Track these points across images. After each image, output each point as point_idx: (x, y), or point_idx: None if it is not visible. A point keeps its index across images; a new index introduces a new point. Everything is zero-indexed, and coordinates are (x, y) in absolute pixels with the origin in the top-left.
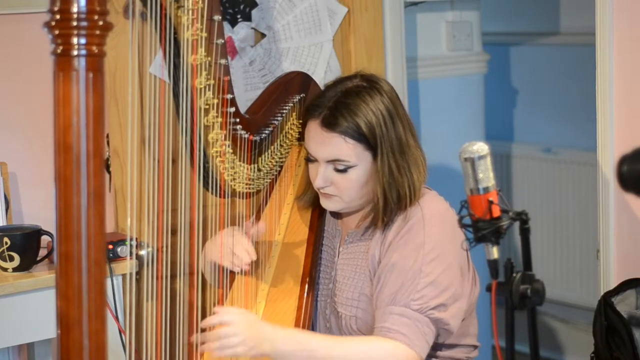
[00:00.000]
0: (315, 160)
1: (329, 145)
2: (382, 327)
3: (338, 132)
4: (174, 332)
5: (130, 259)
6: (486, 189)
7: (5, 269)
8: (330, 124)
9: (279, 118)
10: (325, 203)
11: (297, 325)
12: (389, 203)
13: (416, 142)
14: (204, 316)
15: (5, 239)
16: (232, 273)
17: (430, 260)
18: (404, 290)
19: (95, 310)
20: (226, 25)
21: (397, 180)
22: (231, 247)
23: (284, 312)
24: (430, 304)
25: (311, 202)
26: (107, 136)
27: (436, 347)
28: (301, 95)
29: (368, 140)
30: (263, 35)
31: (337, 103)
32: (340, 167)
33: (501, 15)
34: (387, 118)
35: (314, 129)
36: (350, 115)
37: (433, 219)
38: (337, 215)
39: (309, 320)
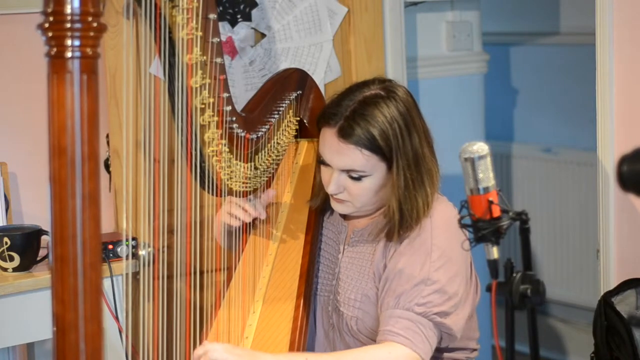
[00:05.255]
0: (329, 165)
1: (345, 155)
2: (386, 331)
3: (354, 143)
4: (172, 331)
5: (127, 259)
6: (486, 189)
7: (5, 269)
8: (346, 135)
9: (275, 115)
10: (336, 206)
11: (295, 323)
12: (405, 217)
13: (431, 151)
14: (202, 316)
15: (5, 239)
16: (245, 234)
17: (438, 268)
18: (409, 295)
19: (91, 313)
20: (226, 25)
21: (411, 193)
22: (228, 209)
23: (282, 312)
24: (433, 309)
25: (323, 203)
26: (107, 136)
27: (437, 349)
28: (298, 92)
29: (383, 151)
30: (263, 35)
31: (354, 113)
32: (355, 176)
33: (501, 15)
34: (403, 128)
35: (330, 137)
36: (367, 126)
37: (441, 226)
38: (344, 219)
39: (307, 320)
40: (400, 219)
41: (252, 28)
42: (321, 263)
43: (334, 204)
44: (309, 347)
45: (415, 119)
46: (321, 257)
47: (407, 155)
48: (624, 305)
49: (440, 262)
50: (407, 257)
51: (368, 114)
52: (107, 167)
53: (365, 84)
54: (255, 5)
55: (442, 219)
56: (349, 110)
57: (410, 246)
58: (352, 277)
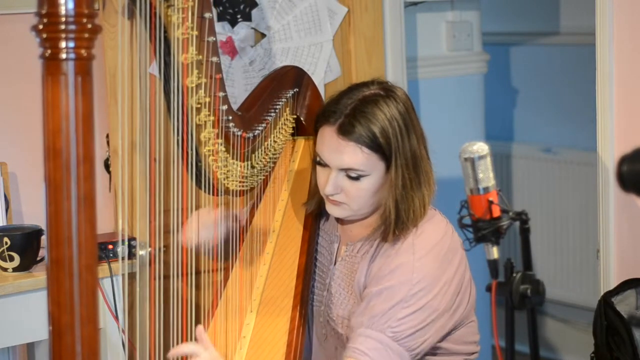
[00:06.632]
0: (326, 165)
1: (344, 153)
2: (354, 348)
3: (354, 140)
4: (170, 331)
5: (123, 260)
6: (486, 189)
7: (5, 269)
8: (347, 132)
9: (272, 114)
10: (331, 209)
11: (292, 323)
12: (402, 217)
13: (427, 153)
14: (198, 316)
15: (5, 239)
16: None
17: (417, 291)
18: (385, 316)
19: (87, 316)
20: (226, 25)
21: (408, 194)
22: (196, 226)
23: (280, 311)
24: (406, 332)
25: (318, 207)
26: (107, 136)
27: (434, 355)
28: (295, 90)
29: (383, 150)
30: (263, 35)
31: (354, 110)
32: (353, 175)
33: (501, 15)
34: (403, 128)
35: (329, 135)
36: (368, 124)
37: (423, 250)
38: (340, 223)
39: (304, 319)
40: (397, 219)
41: (252, 28)
42: (316, 272)
43: (329, 207)
44: (306, 353)
45: (414, 120)
46: (316, 266)
47: (405, 155)
48: (624, 305)
49: (420, 286)
50: (388, 279)
51: (369, 111)
52: (107, 167)
53: (364, 84)
54: (255, 5)
55: (426, 244)
56: (349, 108)
57: (391, 270)
58: (342, 293)
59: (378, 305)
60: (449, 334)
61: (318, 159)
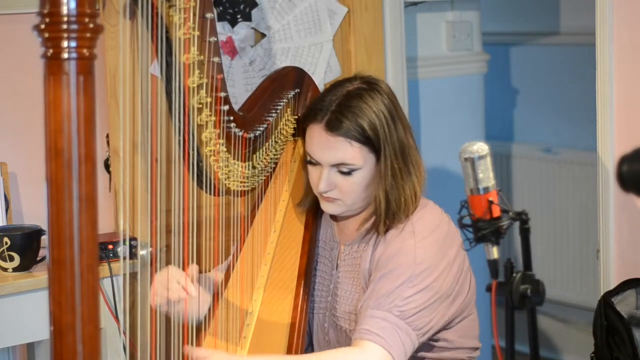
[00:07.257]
0: (317, 164)
1: (334, 149)
2: (362, 329)
3: (343, 135)
4: (171, 331)
5: (124, 259)
6: (486, 189)
7: (5, 269)
8: (335, 128)
9: (273, 114)
10: (326, 206)
11: (293, 325)
12: (392, 207)
13: (415, 143)
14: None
15: (5, 239)
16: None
17: (421, 272)
18: (391, 296)
19: (88, 316)
20: (226, 25)
21: (398, 183)
22: (165, 283)
23: (281, 312)
24: (412, 310)
25: (312, 206)
26: (107, 136)
27: (438, 350)
28: (296, 91)
29: (372, 142)
30: (263, 35)
31: (340, 106)
32: (345, 170)
33: (501, 15)
34: (389, 119)
35: (318, 132)
36: (355, 118)
37: (423, 234)
38: (335, 220)
39: (305, 321)
40: (387, 209)
41: (252, 28)
42: (316, 282)
43: (323, 205)
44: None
45: (399, 111)
46: (316, 276)
47: (394, 145)
48: (624, 305)
49: (422, 267)
50: (392, 262)
51: (355, 105)
52: (107, 167)
53: (346, 80)
54: (255, 5)
55: (425, 229)
56: (334, 104)
57: (393, 256)
58: (348, 290)
59: (383, 287)
60: (451, 324)
61: (308, 158)
